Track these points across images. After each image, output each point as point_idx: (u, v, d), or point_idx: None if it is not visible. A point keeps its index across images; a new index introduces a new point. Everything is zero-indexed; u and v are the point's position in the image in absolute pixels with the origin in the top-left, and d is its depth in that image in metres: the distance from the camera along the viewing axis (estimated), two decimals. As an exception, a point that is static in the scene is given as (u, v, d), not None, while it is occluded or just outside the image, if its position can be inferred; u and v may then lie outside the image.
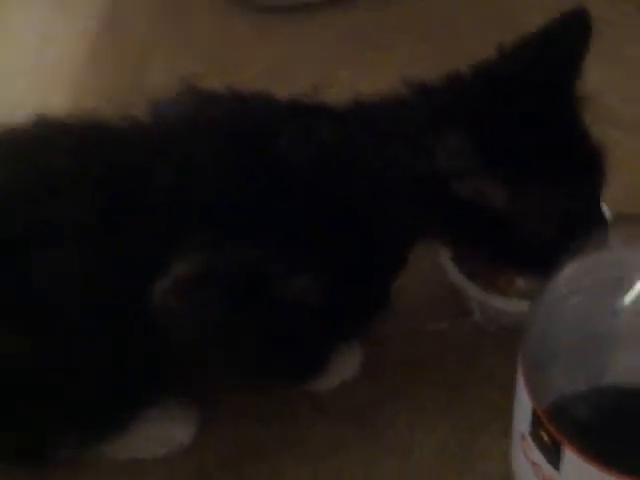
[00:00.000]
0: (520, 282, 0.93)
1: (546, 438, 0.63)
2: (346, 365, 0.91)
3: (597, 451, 0.60)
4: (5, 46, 1.29)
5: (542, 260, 0.71)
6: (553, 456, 0.63)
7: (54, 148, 0.79)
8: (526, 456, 0.68)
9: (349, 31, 1.28)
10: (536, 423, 0.64)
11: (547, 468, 0.65)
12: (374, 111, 0.82)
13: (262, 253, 0.75)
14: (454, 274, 0.91)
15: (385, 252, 0.83)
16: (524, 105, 0.76)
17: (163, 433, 0.87)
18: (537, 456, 0.65)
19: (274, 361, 0.83)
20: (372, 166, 0.79)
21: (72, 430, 0.80)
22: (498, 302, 0.89)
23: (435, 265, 0.93)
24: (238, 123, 0.81)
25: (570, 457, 0.61)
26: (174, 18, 1.32)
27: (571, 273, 0.65)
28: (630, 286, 0.61)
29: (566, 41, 0.80)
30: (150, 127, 0.82)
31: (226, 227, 0.75)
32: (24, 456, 0.82)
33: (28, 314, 0.73)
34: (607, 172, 0.80)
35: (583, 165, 0.79)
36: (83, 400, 0.77)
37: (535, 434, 0.64)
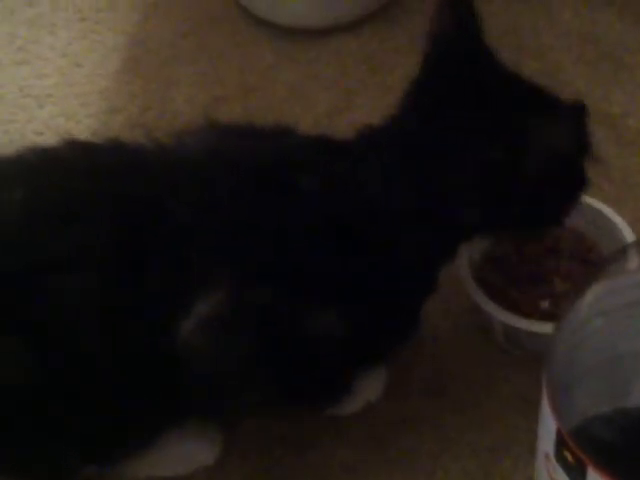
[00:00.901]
0: (544, 304, 0.93)
1: (570, 459, 0.63)
2: (370, 388, 0.91)
3: (621, 472, 0.60)
4: (34, 68, 1.31)
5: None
6: (577, 477, 0.63)
7: (77, 171, 0.79)
8: (550, 477, 0.68)
9: (361, 54, 1.29)
10: (560, 443, 0.63)
11: (571, 489, 0.65)
12: (387, 141, 0.83)
13: (285, 290, 0.76)
14: (477, 295, 0.91)
15: (413, 279, 0.83)
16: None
17: (186, 453, 0.87)
18: (561, 476, 0.65)
19: (297, 390, 0.83)
20: (390, 198, 0.80)
21: (94, 449, 0.80)
22: (521, 324, 0.89)
23: (458, 285, 0.93)
24: (258, 158, 0.82)
25: (594, 478, 0.61)
26: (199, 42, 1.33)
27: (595, 296, 0.65)
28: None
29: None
30: (172, 158, 0.82)
31: (249, 265, 0.76)
32: (44, 475, 0.82)
33: (46, 338, 0.73)
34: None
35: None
36: (105, 422, 0.77)
37: (559, 455, 0.64)
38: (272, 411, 0.88)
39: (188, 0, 1.39)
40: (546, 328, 0.86)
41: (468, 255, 0.93)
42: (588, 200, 0.96)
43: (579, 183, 0.86)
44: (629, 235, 0.92)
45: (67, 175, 0.78)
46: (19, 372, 0.73)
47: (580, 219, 0.97)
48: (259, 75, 1.28)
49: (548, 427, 0.65)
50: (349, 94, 1.23)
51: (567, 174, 0.83)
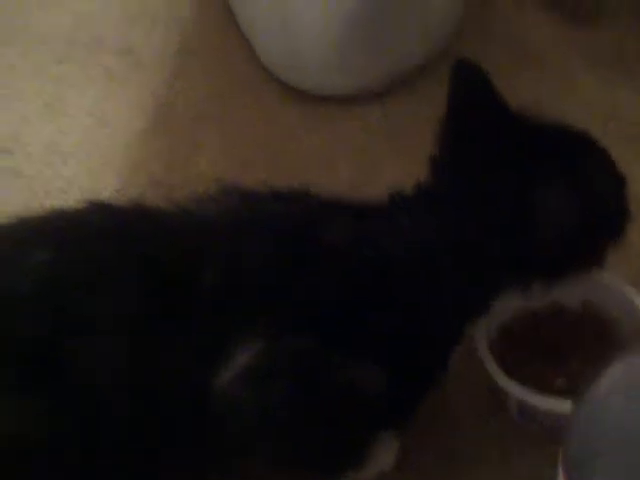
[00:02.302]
0: (560, 381, 0.92)
1: (586, 540, 0.62)
2: (384, 456, 0.90)
3: None
4: (58, 124, 1.32)
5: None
6: None
7: (103, 234, 0.80)
8: None
9: (385, 122, 1.30)
10: (576, 525, 0.63)
11: None
12: (415, 202, 0.86)
13: (321, 341, 0.76)
14: (493, 369, 0.91)
15: (445, 332, 0.85)
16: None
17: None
18: None
19: (323, 451, 0.83)
20: (421, 253, 0.82)
21: None
22: (537, 401, 0.88)
23: (474, 359, 0.93)
24: (283, 219, 0.83)
25: None
26: (224, 105, 1.34)
27: (615, 374, 0.65)
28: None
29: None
30: (197, 221, 0.82)
31: (285, 317, 0.77)
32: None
33: (77, 403, 0.73)
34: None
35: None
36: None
37: (574, 534, 0.64)
38: (284, 476, 0.88)
39: (216, 63, 1.41)
40: (562, 405, 0.86)
41: (485, 329, 0.93)
42: (607, 278, 0.96)
43: (617, 224, 0.87)
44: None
45: (94, 238, 0.79)
46: (48, 435, 0.73)
47: (598, 296, 0.97)
48: (283, 140, 1.29)
49: (563, 506, 0.65)
50: (373, 161, 1.24)
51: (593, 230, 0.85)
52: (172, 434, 0.76)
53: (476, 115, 0.85)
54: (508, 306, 0.97)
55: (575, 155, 0.83)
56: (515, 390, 0.89)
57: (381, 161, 1.23)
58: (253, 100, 1.35)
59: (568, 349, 0.95)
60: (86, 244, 0.78)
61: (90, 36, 1.46)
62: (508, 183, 0.82)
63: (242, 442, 0.78)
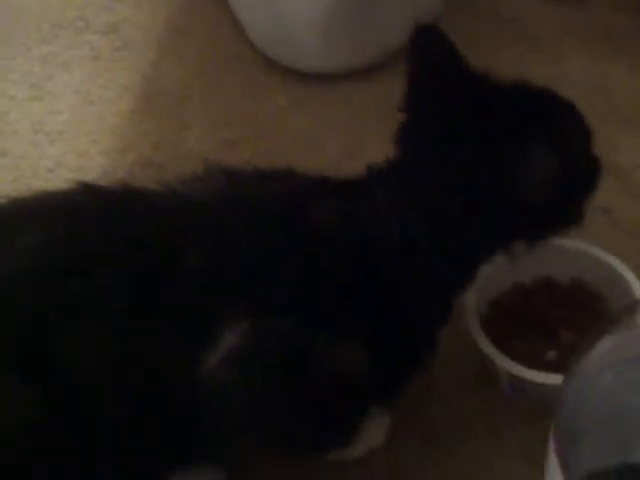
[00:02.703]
0: (549, 355, 0.93)
1: (576, 512, 0.62)
2: (373, 434, 0.91)
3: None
4: (47, 105, 1.32)
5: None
6: (582, 530, 0.62)
7: (91, 216, 0.79)
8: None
9: (371, 101, 1.30)
10: (566, 497, 0.63)
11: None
12: (390, 176, 0.84)
13: (306, 322, 0.76)
14: (483, 344, 0.91)
15: (432, 306, 0.84)
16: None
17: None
18: (566, 529, 0.65)
19: (311, 431, 0.83)
20: (403, 229, 0.81)
21: None
22: (527, 374, 0.88)
23: (464, 334, 0.93)
24: (269, 200, 0.83)
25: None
26: (212, 83, 1.34)
27: (604, 349, 0.65)
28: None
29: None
30: (184, 202, 0.82)
31: (270, 298, 0.76)
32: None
33: (61, 385, 0.73)
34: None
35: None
36: (115, 466, 0.77)
37: (565, 508, 0.64)
38: (275, 455, 0.88)
39: (203, 42, 1.40)
40: (552, 379, 0.86)
41: (476, 304, 0.93)
42: (596, 251, 0.96)
43: (590, 175, 0.86)
44: (637, 287, 0.92)
45: (81, 220, 0.79)
46: (32, 419, 0.72)
47: (588, 270, 0.98)
48: (270, 119, 1.29)
49: (554, 479, 0.65)
50: (360, 139, 1.24)
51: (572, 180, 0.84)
52: (162, 418, 0.76)
53: (438, 78, 0.84)
54: (498, 281, 0.98)
55: (544, 110, 0.82)
56: (506, 363, 0.89)
57: (367, 140, 1.23)
58: (240, 79, 1.35)
59: (558, 323, 0.95)
60: (73, 226, 0.78)
61: (76, 16, 1.46)
62: (481, 144, 0.80)
63: (232, 424, 0.78)
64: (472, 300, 0.93)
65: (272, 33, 1.32)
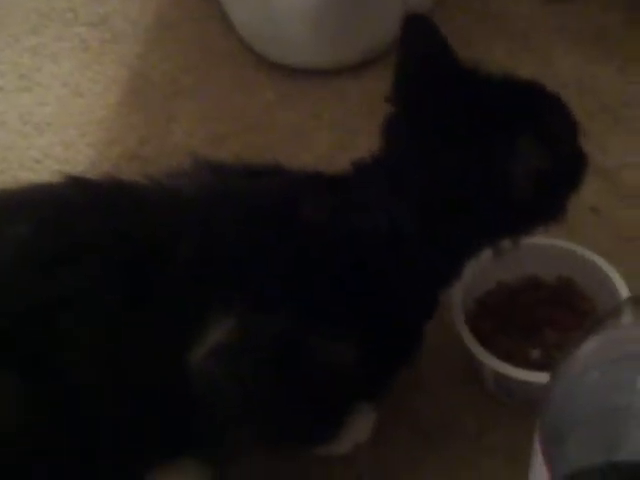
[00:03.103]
0: (535, 353, 0.93)
1: (560, 509, 0.62)
2: (360, 430, 0.91)
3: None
4: (35, 96, 1.31)
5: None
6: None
7: (79, 209, 0.79)
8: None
9: (362, 97, 1.30)
10: (551, 495, 0.63)
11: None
12: (378, 170, 0.84)
13: (295, 315, 0.76)
14: (469, 342, 0.91)
15: (419, 299, 0.84)
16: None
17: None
18: (550, 527, 0.65)
19: (302, 424, 0.82)
20: (391, 223, 0.81)
21: None
22: (512, 372, 0.88)
23: (450, 332, 0.93)
24: (255, 194, 0.82)
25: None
26: (201, 77, 1.34)
27: (590, 348, 0.65)
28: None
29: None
30: (171, 195, 0.82)
31: (259, 293, 0.76)
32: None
33: (51, 376, 0.73)
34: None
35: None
36: (104, 457, 0.77)
37: (549, 505, 0.64)
38: (264, 450, 0.88)
39: (192, 35, 1.40)
40: (537, 377, 0.86)
41: (461, 302, 0.93)
42: (582, 251, 0.97)
43: (576, 170, 0.86)
44: (623, 287, 0.92)
45: (69, 212, 0.78)
46: (21, 411, 0.72)
47: (574, 270, 0.98)
48: (259, 113, 1.28)
49: (539, 477, 0.65)
50: (349, 135, 1.23)
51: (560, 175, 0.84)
52: (157, 411, 0.76)
53: (427, 69, 0.83)
54: (485, 279, 0.98)
55: (532, 105, 0.82)
56: (491, 362, 0.89)
57: (357, 135, 1.22)
58: (229, 73, 1.35)
59: (544, 322, 0.95)
60: (61, 219, 0.77)
61: (65, 7, 1.45)
62: (470, 139, 0.80)
63: (223, 416, 0.78)
64: (458, 298, 0.93)
65: (262, 28, 1.32)
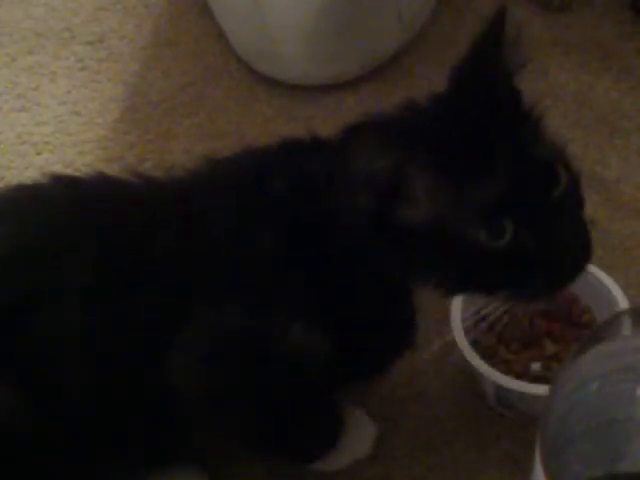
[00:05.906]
0: (535, 366, 0.93)
1: (561, 522, 0.62)
2: (358, 444, 0.91)
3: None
4: (33, 115, 1.32)
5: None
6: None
7: (61, 204, 0.80)
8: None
9: (358, 112, 1.29)
10: (552, 507, 0.63)
11: None
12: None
13: (255, 306, 0.75)
14: (469, 355, 0.91)
15: (378, 288, 0.79)
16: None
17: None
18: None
19: (283, 431, 0.82)
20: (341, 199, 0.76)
21: None
22: (513, 385, 0.88)
23: (450, 345, 0.93)
24: (233, 177, 0.83)
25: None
26: (198, 94, 1.34)
27: (589, 360, 0.65)
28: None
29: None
30: (154, 188, 0.82)
31: (221, 286, 0.76)
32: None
33: (31, 373, 0.73)
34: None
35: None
36: (84, 461, 0.77)
37: (550, 518, 0.64)
38: (257, 461, 0.88)
39: (189, 53, 1.40)
40: (537, 390, 0.86)
41: (460, 315, 0.93)
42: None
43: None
44: (622, 299, 0.92)
45: (51, 209, 0.79)
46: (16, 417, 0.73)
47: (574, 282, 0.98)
48: (257, 129, 1.29)
49: (540, 490, 0.65)
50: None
51: None
52: (133, 404, 0.76)
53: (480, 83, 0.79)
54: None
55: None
56: (491, 375, 0.89)
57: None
58: (226, 90, 1.35)
59: (543, 334, 0.95)
60: (44, 216, 0.78)
61: (62, 27, 1.46)
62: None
63: (199, 415, 0.78)
64: (458, 311, 0.93)
65: (258, 45, 1.32)
